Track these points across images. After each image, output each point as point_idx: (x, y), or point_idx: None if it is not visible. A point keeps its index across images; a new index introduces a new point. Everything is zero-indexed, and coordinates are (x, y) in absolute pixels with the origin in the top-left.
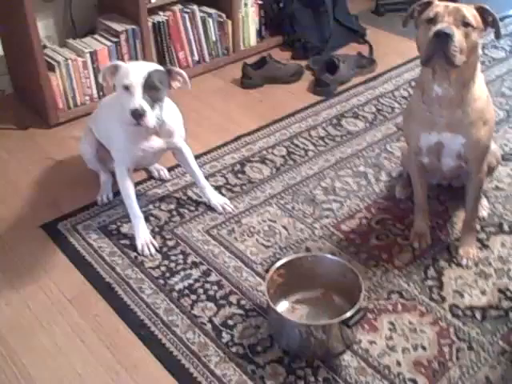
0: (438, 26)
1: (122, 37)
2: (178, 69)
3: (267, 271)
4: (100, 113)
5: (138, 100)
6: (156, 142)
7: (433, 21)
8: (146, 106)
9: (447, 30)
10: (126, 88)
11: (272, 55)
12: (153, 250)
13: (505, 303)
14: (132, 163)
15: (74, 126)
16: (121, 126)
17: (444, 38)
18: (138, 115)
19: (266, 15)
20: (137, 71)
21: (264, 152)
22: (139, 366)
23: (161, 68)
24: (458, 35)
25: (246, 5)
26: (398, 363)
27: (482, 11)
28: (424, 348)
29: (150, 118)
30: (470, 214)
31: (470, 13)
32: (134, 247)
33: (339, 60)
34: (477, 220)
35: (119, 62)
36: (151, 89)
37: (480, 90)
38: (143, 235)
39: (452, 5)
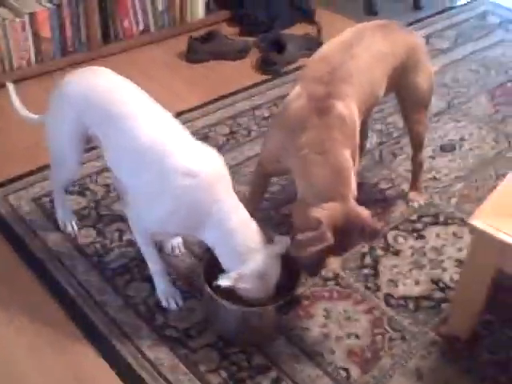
0: None
1: (65, 0)
2: None
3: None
4: None
5: None
6: None
7: None
8: None
9: None
10: None
11: (219, 30)
12: (75, 228)
13: (437, 294)
14: None
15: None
16: None
17: None
18: None
19: None
20: None
21: (206, 130)
22: (68, 347)
23: None
24: None
25: None
26: (332, 351)
27: None
28: (357, 337)
29: None
30: None
31: None
32: None
33: (287, 39)
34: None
35: None
36: None
37: None
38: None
39: None
